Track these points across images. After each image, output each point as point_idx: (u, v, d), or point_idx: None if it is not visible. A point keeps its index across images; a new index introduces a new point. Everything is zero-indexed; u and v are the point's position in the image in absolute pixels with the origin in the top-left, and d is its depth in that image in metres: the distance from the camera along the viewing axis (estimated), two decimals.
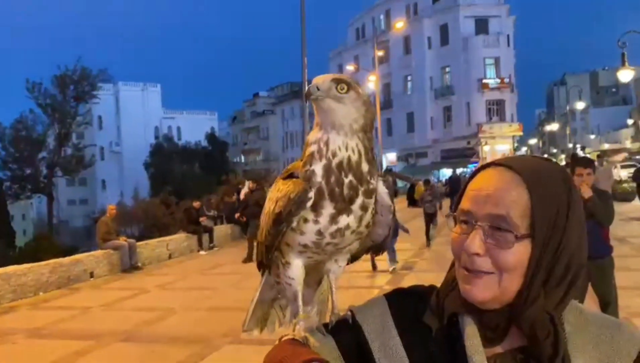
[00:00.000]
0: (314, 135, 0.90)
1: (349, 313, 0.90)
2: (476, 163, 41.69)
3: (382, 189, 0.95)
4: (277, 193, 0.92)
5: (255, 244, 7.79)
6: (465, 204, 0.81)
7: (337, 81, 0.88)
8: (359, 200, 0.89)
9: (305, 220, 0.89)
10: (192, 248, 13.09)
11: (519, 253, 0.76)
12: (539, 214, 0.76)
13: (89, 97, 40.28)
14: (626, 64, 19.06)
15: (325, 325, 0.92)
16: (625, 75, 19.74)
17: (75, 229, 46.17)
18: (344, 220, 0.89)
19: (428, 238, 11.53)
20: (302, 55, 23.42)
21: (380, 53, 37.96)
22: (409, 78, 47.67)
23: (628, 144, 55.82)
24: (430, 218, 11.64)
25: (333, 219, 0.88)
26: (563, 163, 42.98)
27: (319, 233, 0.89)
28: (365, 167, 0.89)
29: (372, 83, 34.82)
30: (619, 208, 13.77)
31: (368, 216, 0.92)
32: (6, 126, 39.50)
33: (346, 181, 0.87)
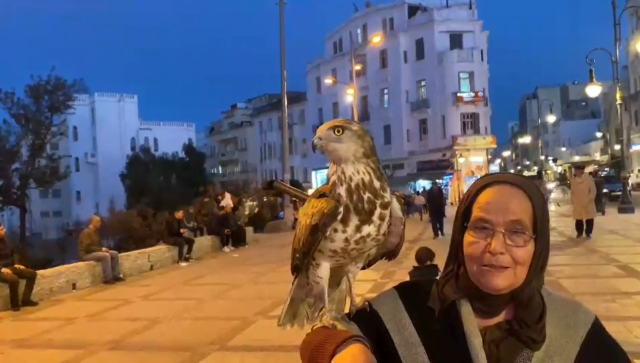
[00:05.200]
0: (331, 169, 1.12)
1: (367, 303, 1.11)
2: (451, 174, 42.47)
3: (395, 204, 1.14)
4: (311, 209, 1.12)
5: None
6: (481, 214, 1.00)
7: (333, 127, 1.10)
8: (377, 211, 1.08)
9: (336, 230, 1.08)
10: (174, 259, 13.13)
11: (528, 251, 0.99)
12: (540, 219, 1.00)
13: (64, 108, 39.74)
14: (594, 80, 19.89)
15: (347, 315, 1.12)
16: (593, 90, 20.57)
17: (48, 241, 45.24)
18: (366, 229, 1.08)
19: None
20: (281, 68, 23.74)
21: (357, 67, 38.53)
22: (385, 91, 48.42)
23: (597, 156, 57.46)
24: None
25: (358, 229, 1.08)
26: (534, 173, 43.99)
27: (346, 240, 1.09)
28: (377, 184, 1.09)
29: (349, 96, 35.29)
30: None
31: (385, 226, 1.11)
32: None
33: (365, 197, 1.08)
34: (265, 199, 27.49)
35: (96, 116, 65.26)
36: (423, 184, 40.84)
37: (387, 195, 1.11)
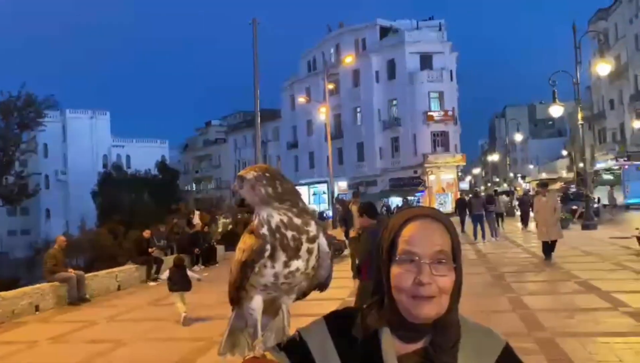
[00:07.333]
0: (254, 213, 1.20)
1: (297, 332, 1.15)
2: (423, 191, 43.05)
3: (322, 240, 1.19)
4: (243, 244, 1.19)
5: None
6: (407, 247, 1.06)
7: (239, 177, 1.17)
8: (305, 246, 1.14)
9: (265, 266, 1.14)
10: (142, 279, 12.95)
11: (451, 279, 1.06)
12: (458, 251, 1.09)
13: (34, 125, 39.16)
14: (557, 100, 20.61)
15: (279, 345, 1.16)
16: (556, 110, 21.31)
17: (15, 260, 44.03)
18: (295, 264, 1.14)
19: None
20: (254, 87, 23.88)
21: (330, 86, 38.93)
22: (358, 110, 49.02)
23: (564, 173, 58.90)
24: None
25: (286, 264, 1.14)
26: (502, 188, 44.82)
27: (275, 275, 1.15)
28: (297, 221, 1.14)
29: (322, 114, 35.64)
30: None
31: (313, 259, 1.17)
32: None
33: (289, 234, 1.13)
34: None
35: (67, 132, 64.19)
36: (396, 201, 41.25)
37: (312, 229, 1.17)
